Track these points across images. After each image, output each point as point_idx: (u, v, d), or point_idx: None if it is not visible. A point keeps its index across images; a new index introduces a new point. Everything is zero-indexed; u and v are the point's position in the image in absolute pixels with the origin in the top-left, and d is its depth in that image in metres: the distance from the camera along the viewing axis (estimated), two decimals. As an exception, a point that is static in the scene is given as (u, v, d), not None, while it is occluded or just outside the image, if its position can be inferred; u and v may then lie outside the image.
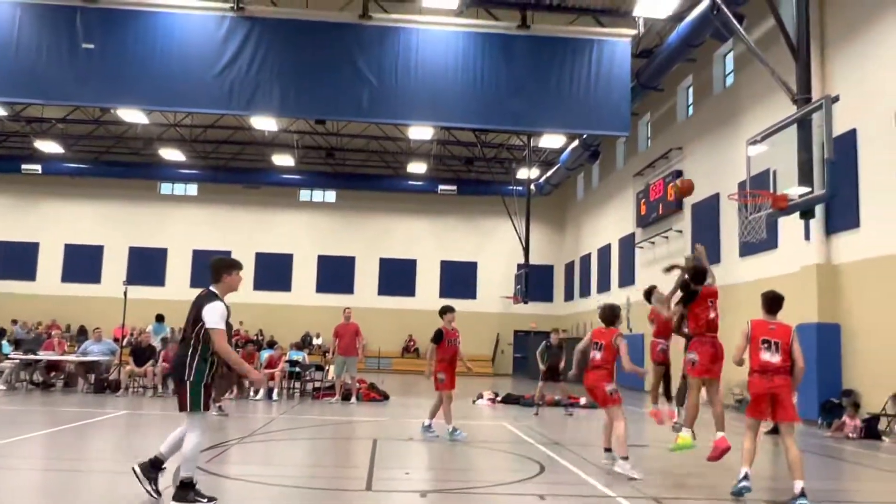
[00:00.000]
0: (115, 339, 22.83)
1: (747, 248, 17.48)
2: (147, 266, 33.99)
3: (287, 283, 35.53)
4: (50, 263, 34.70)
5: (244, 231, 35.41)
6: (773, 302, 7.30)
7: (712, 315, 8.11)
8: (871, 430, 12.37)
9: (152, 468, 5.98)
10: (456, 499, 6.75)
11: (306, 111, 19.64)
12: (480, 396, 17.84)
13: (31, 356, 17.20)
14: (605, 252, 29.86)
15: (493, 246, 35.94)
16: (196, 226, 35.39)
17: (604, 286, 29.76)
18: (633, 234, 26.36)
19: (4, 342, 18.25)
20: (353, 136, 29.88)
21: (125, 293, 17.75)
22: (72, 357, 17.56)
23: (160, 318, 21.01)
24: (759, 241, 12.82)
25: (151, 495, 5.89)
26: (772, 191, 12.03)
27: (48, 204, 34.93)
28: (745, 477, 6.70)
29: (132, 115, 25.46)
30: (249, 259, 35.48)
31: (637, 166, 26.07)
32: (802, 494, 6.39)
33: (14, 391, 16.28)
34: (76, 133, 30.34)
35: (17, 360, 17.01)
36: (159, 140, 30.53)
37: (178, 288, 34.44)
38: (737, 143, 17.53)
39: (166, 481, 6.08)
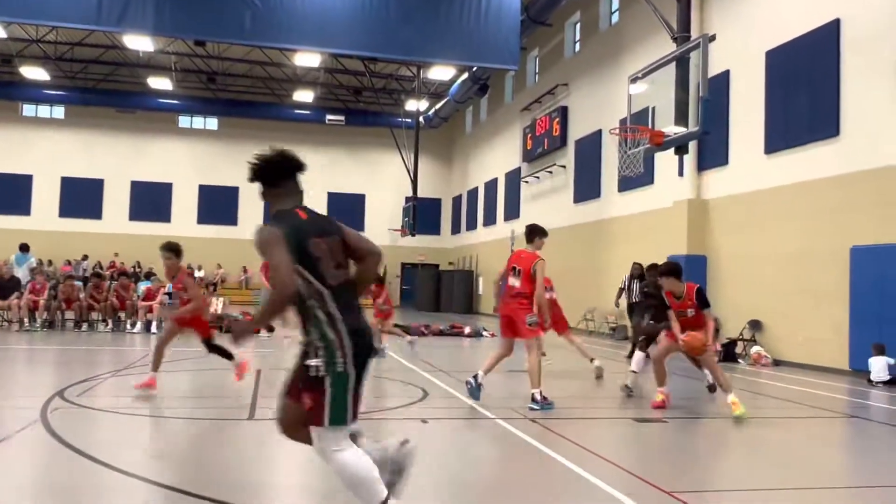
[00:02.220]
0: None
1: (626, 184, 18.18)
2: (9, 193, 31.71)
3: (166, 213, 34.12)
4: None
5: (118, 158, 33.56)
6: (529, 232, 7.98)
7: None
8: (729, 353, 13.38)
9: None
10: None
11: (183, 30, 18.54)
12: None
13: None
14: (491, 186, 30.29)
15: (382, 178, 35.75)
16: (64, 151, 33.19)
17: (490, 219, 30.31)
18: (519, 169, 26.82)
19: None
20: (236, 61, 28.59)
21: (-16, 222, 16.47)
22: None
23: (24, 248, 19.73)
24: (637, 176, 13.37)
25: None
26: (650, 127, 12.48)
27: None
28: (475, 377, 7.75)
29: (-14, 28, 23.27)
30: (124, 188, 33.77)
31: (524, 101, 26.35)
32: (533, 400, 7.42)
33: None
34: (-79, 45, 27.46)
35: None
36: (20, 56, 28.08)
37: (44, 217, 32.47)
38: (620, 81, 18.00)
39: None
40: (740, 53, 14.67)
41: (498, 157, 29.66)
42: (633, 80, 13.02)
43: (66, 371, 10.02)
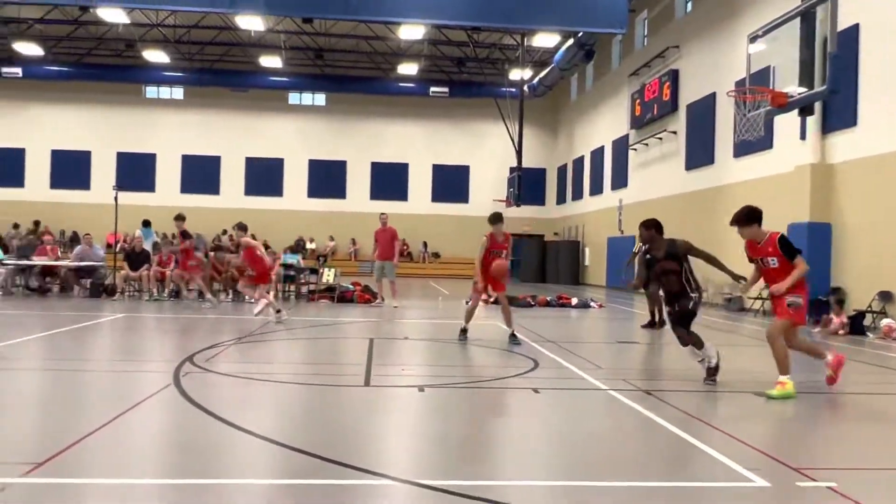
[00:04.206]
0: (108, 245, 22.86)
1: (742, 149, 17.37)
2: (136, 171, 33.64)
3: (279, 187, 35.33)
4: (37, 169, 34.30)
5: (233, 135, 34.93)
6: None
7: None
8: (856, 326, 12.63)
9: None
10: (453, 393, 6.90)
11: (292, 9, 19.02)
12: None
13: (25, 262, 17.21)
14: (598, 154, 29.65)
15: (485, 149, 35.64)
16: (184, 130, 34.85)
17: (596, 189, 29.72)
18: (626, 136, 26.10)
19: (-2, 249, 18.18)
20: (342, 37, 29.04)
21: (116, 199, 17.58)
22: (66, 262, 17.56)
23: (147, 224, 20.93)
24: (755, 140, 12.73)
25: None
26: (771, 87, 11.82)
27: (32, 108, 34.21)
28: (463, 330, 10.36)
29: (112, 15, 24.62)
30: (239, 164, 35.15)
31: (632, 66, 25.54)
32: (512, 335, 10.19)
33: (10, 296, 16.37)
34: (56, 34, 29.36)
35: (11, 266, 17.02)
36: (142, 41, 29.60)
37: (168, 193, 34.27)
38: (736, 41, 17.12)
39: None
40: (871, 4, 13.62)
41: (605, 124, 28.95)
42: (753, 38, 12.34)
43: (193, 338, 10.59)
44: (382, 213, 17.16)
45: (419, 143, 35.85)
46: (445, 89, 32.96)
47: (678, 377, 7.71)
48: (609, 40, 27.64)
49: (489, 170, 35.38)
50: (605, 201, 28.15)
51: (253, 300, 13.30)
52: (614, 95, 27.77)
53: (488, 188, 34.84)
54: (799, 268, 6.80)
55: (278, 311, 12.31)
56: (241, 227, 12.77)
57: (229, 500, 3.87)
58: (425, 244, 35.34)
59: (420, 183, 35.81)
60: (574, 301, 17.71)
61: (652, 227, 7.49)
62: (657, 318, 12.72)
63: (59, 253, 19.92)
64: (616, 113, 27.42)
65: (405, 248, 33.85)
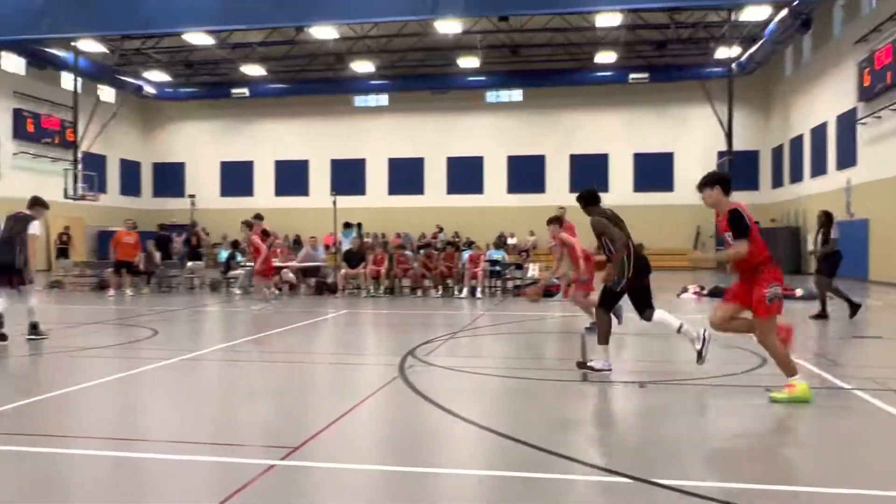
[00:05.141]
0: (326, 247, 24.65)
1: None
2: (348, 176, 35.89)
3: (479, 185, 36.08)
4: (264, 179, 37.73)
5: (435, 137, 36.17)
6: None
7: None
8: None
9: None
10: (677, 389, 6.65)
11: (490, 8, 19.30)
12: (685, 290, 17.30)
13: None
14: (819, 132, 27.20)
15: (690, 134, 34.01)
16: (389, 135, 36.65)
17: (819, 169, 27.30)
18: (854, 109, 23.70)
19: (238, 252, 20.17)
20: (538, 31, 29.01)
21: (334, 203, 18.86)
22: (293, 263, 19.12)
23: (348, 225, 22.28)
24: None
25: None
26: None
27: (258, 124, 37.69)
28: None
29: (323, 32, 26.46)
30: (441, 164, 36.36)
31: (858, 32, 23.12)
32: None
33: (248, 295, 18.13)
34: (275, 55, 32.06)
35: (249, 268, 18.85)
36: (349, 54, 31.52)
37: (377, 195, 36.23)
38: None
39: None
40: None
41: (826, 98, 26.48)
42: None
43: (411, 333, 11.10)
44: (560, 207, 17.02)
45: (619, 133, 34.99)
46: (645, 75, 31.86)
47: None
48: (829, 6, 25.24)
49: (695, 156, 33.69)
50: (830, 182, 25.76)
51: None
52: (837, 66, 25.31)
53: (695, 174, 32.99)
54: (734, 249, 5.85)
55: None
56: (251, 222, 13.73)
57: (456, 488, 4.00)
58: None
59: (621, 173, 34.94)
60: (798, 292, 16.39)
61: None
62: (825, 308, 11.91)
63: (287, 255, 21.73)
64: (840, 85, 24.98)
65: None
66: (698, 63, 30.09)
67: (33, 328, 9.45)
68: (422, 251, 19.05)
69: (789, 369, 5.91)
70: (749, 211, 6.10)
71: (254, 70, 32.65)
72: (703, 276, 24.80)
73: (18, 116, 30.55)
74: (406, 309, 14.87)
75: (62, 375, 7.39)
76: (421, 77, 34.24)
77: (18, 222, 9.40)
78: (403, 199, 36.15)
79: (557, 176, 35.35)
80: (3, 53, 29.38)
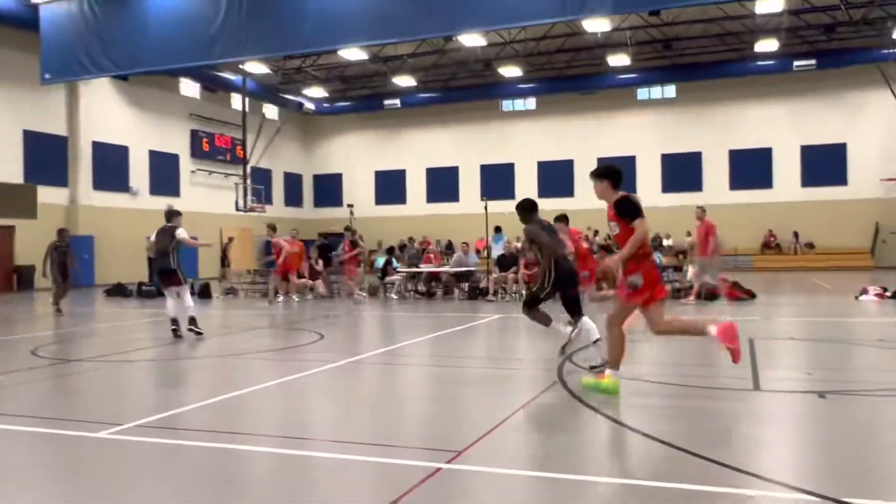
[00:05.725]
0: (477, 251, 24.88)
1: None
2: (497, 181, 36.11)
3: (632, 185, 35.07)
4: (416, 187, 38.73)
5: (584, 138, 35.65)
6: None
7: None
8: None
9: None
10: (862, 402, 6.11)
11: (639, 4, 18.72)
12: (864, 292, 15.93)
13: (415, 269, 19.50)
14: None
15: (865, 122, 31.41)
16: (538, 138, 36.53)
17: None
18: None
19: (394, 259, 20.80)
20: (691, 23, 27.88)
21: (485, 208, 18.99)
22: (446, 268, 19.46)
23: (498, 229, 22.31)
24: None
25: None
26: None
27: (409, 133, 38.80)
28: None
29: (471, 40, 26.80)
30: (591, 165, 35.68)
31: None
32: None
33: (404, 300, 18.64)
34: (424, 65, 32.85)
35: (404, 273, 19.41)
36: (496, 59, 31.72)
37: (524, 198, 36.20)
38: None
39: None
40: None
41: None
42: None
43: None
44: (698, 207, 16.22)
45: (783, 124, 32.88)
46: (812, 61, 29.73)
47: None
48: None
49: (872, 146, 31.06)
50: None
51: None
52: None
53: (872, 166, 30.60)
54: (636, 231, 5.91)
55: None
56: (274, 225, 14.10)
57: (615, 498, 3.86)
58: (796, 234, 32.22)
59: (786, 167, 32.80)
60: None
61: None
62: None
63: (441, 260, 22.21)
64: None
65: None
66: (874, 45, 27.71)
67: (192, 321, 10.83)
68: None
69: (615, 362, 6.14)
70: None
71: (405, 81, 33.65)
72: (886, 276, 22.70)
73: (195, 137, 33.31)
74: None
75: (238, 377, 7.91)
76: (569, 78, 33.87)
77: (166, 234, 10.86)
78: (554, 201, 35.73)
79: (715, 173, 33.81)
80: (181, 79, 32.10)
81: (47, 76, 20.44)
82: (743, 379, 6.92)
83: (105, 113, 29.21)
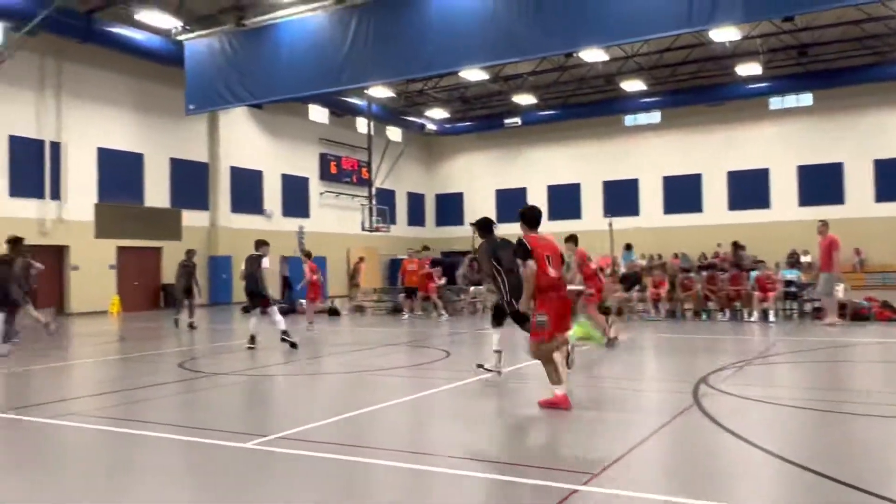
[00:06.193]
0: (601, 269, 24.41)
1: None
2: (621, 197, 35.39)
3: (765, 199, 33.54)
4: (536, 204, 38.53)
5: (712, 151, 34.42)
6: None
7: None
8: None
9: None
10: None
11: (772, 10, 17.89)
12: None
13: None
14: None
15: None
16: (663, 153, 35.57)
17: None
18: None
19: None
20: (828, 27, 26.39)
21: (610, 225, 18.67)
22: (571, 287, 19.20)
23: (628, 247, 21.83)
24: None
25: None
26: None
27: (530, 151, 38.78)
28: None
29: (592, 55, 26.54)
30: (721, 179, 34.42)
31: None
32: None
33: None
34: (545, 83, 32.78)
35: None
36: (619, 74, 31.21)
37: (651, 215, 35.28)
38: None
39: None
40: None
41: None
42: None
43: (699, 359, 10.54)
44: (820, 222, 15.07)
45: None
46: (966, 62, 27.44)
47: None
48: None
49: None
50: None
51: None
52: None
53: None
54: (524, 274, 6.64)
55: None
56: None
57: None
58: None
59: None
60: None
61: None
62: None
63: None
64: None
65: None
66: None
67: (284, 333, 11.94)
68: (704, 272, 18.10)
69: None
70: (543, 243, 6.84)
71: (525, 99, 33.70)
72: None
73: (323, 160, 34.71)
74: (690, 333, 14.17)
75: (370, 393, 8.11)
76: (695, 90, 32.80)
77: (254, 261, 12.26)
78: (680, 217, 34.76)
79: (859, 184, 31.70)
80: (311, 106, 33.57)
81: (191, 107, 21.90)
82: (892, 405, 6.44)
83: (241, 140, 30.96)
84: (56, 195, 24.11)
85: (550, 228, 36.87)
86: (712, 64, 30.73)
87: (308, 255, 17.70)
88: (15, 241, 12.57)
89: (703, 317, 16.55)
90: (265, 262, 12.33)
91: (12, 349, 11.88)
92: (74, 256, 24.47)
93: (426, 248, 19.35)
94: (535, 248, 6.67)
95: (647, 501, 4.10)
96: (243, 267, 12.50)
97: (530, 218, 7.03)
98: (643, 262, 23.32)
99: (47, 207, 23.83)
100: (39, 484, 4.76)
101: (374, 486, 4.69)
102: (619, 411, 6.94)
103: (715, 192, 34.52)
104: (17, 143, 23.11)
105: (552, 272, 6.67)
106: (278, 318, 12.15)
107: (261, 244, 12.61)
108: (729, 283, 16.51)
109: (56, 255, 23.97)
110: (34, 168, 23.58)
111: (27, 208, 23.22)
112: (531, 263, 6.58)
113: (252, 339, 12.13)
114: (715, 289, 16.64)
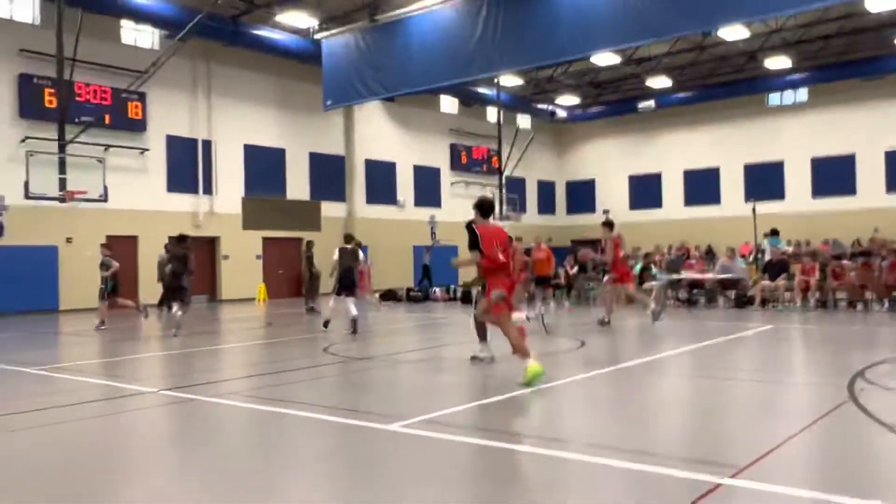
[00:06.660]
0: (742, 256, 23.34)
1: None
2: (764, 181, 33.62)
3: (929, 180, 30.83)
4: (672, 190, 37.28)
5: (867, 129, 31.93)
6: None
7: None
8: None
9: None
10: None
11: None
12: None
13: (675, 276, 18.80)
14: None
15: None
16: (811, 132, 33.40)
17: None
18: None
19: (652, 264, 20.26)
20: None
21: (753, 210, 17.82)
22: (709, 276, 18.52)
23: (775, 233, 20.64)
24: None
25: None
26: None
27: (664, 135, 37.49)
28: None
29: (733, 32, 25.31)
30: (878, 158, 31.97)
31: None
32: None
33: (663, 308, 18.04)
34: (680, 64, 31.58)
35: (664, 280, 18.80)
36: (761, 50, 29.57)
37: (798, 199, 33.30)
38: None
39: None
40: None
41: None
42: None
43: (854, 352, 9.93)
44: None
45: None
46: None
47: None
48: None
49: None
50: None
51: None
52: None
53: None
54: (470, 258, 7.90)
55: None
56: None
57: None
58: None
59: None
60: None
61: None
62: None
63: (703, 266, 21.19)
64: None
65: None
66: None
67: (353, 322, 12.77)
68: (858, 259, 16.94)
69: (524, 353, 7.35)
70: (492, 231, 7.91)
71: (659, 82, 32.62)
72: None
73: (454, 150, 35.13)
74: (842, 325, 13.32)
75: (501, 380, 8.20)
76: (847, 64, 30.53)
77: (350, 254, 13.28)
78: (831, 201, 32.55)
79: None
80: (441, 97, 34.05)
81: (329, 102, 22.80)
82: None
83: (375, 133, 31.89)
84: (208, 190, 25.86)
85: (687, 214, 35.85)
86: (867, 36, 28.51)
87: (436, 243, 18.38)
88: (185, 238, 14.24)
89: (859, 307, 15.50)
90: (361, 256, 13.62)
91: (178, 332, 12.96)
92: (224, 247, 26.18)
93: (549, 239, 19.27)
94: (483, 235, 7.75)
95: (797, 498, 3.94)
96: (336, 258, 13.17)
97: (487, 208, 8.16)
98: (790, 249, 22.09)
99: (200, 201, 25.60)
100: (223, 458, 5.19)
101: (517, 471, 4.77)
102: (763, 405, 6.67)
103: (871, 173, 32.03)
104: (173, 143, 24.96)
105: (500, 256, 7.76)
106: (354, 308, 13.04)
107: (353, 240, 13.75)
108: (888, 272, 15.36)
109: (208, 247, 25.74)
110: (188, 165, 25.40)
111: (183, 202, 25.06)
112: (476, 252, 7.71)
113: (353, 323, 12.82)
114: (871, 277, 15.53)
